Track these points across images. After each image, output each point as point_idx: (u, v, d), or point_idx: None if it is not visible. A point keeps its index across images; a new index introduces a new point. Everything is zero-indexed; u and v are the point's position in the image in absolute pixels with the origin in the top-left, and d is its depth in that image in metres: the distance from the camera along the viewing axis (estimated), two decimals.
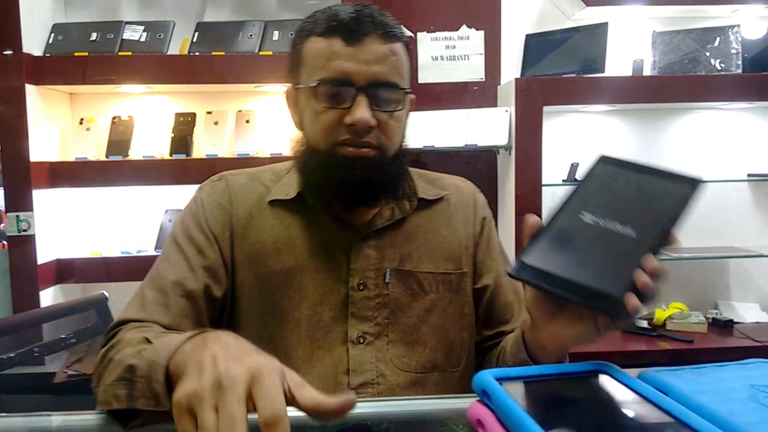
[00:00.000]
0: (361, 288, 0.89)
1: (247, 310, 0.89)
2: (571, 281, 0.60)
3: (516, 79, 2.14)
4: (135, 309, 0.82)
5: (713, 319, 2.26)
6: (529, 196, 2.11)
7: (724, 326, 2.22)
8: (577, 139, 2.40)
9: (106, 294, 1.49)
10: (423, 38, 2.36)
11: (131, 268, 2.11)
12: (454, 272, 0.94)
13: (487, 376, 0.61)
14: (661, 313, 2.24)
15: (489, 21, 2.37)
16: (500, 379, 0.60)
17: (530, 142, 2.11)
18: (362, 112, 0.81)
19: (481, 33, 2.37)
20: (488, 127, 2.21)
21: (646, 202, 0.62)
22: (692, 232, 2.44)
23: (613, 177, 0.66)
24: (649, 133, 2.44)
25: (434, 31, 2.36)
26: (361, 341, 0.87)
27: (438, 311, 0.92)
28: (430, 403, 0.70)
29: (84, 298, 1.45)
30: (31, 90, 1.95)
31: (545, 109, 2.12)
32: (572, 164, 2.29)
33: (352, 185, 0.84)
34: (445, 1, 2.36)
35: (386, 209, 0.93)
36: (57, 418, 0.65)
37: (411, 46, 2.30)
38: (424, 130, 2.22)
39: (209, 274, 0.87)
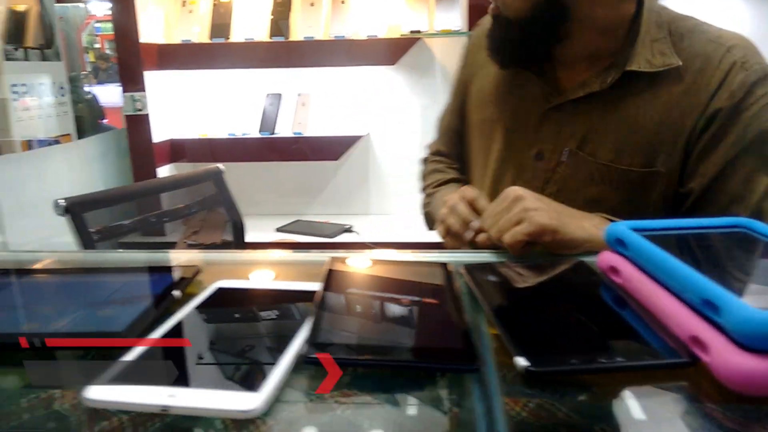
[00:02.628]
0: (539, 158, 0.84)
1: (469, 152, 0.98)
2: None
3: None
4: (435, 139, 1.08)
5: None
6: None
7: None
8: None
9: (222, 167, 1.57)
10: None
11: (237, 149, 2.21)
12: (639, 170, 0.78)
13: (621, 227, 0.61)
14: None
15: None
16: (634, 230, 0.59)
17: None
18: None
19: None
20: None
21: None
22: None
23: None
24: None
25: None
26: None
27: (605, 207, 0.78)
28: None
29: (202, 169, 1.54)
30: None
31: None
32: None
33: (489, 47, 0.84)
34: None
35: (591, 77, 0.80)
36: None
37: None
38: None
39: (458, 117, 0.99)
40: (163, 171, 2.17)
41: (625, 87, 0.78)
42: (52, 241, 1.86)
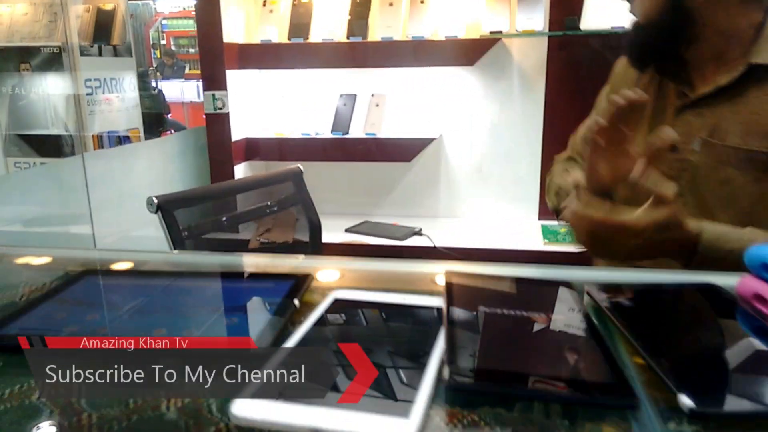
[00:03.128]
0: (673, 150, 0.91)
1: None
2: None
3: None
4: (567, 151, 1.17)
5: None
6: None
7: None
8: None
9: (301, 168, 1.58)
10: None
11: (310, 149, 2.23)
12: (765, 150, 0.85)
13: (766, 251, 0.56)
14: None
15: None
16: None
17: None
18: None
19: None
20: None
21: None
22: None
23: None
24: None
25: None
26: None
27: (734, 186, 0.88)
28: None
29: (283, 169, 1.55)
30: None
31: None
32: None
33: (627, 52, 0.97)
34: None
35: (720, 75, 0.89)
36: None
37: None
38: (612, 7, 2.02)
39: (598, 113, 1.08)
40: (239, 169, 2.20)
41: (751, 80, 0.86)
42: (136, 235, 1.92)
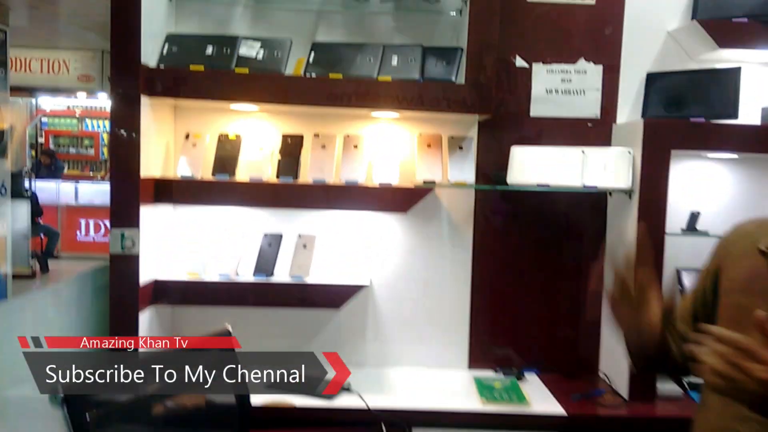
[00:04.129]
0: None
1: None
2: None
3: (646, 120, 2.02)
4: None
5: None
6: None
7: None
8: (698, 186, 2.25)
9: (230, 329, 1.39)
10: (538, 70, 2.25)
11: (228, 293, 2.02)
12: None
13: None
14: None
15: (608, 56, 2.26)
16: None
17: (656, 187, 1.98)
18: None
19: (600, 68, 2.25)
20: (605, 167, 2.09)
21: None
22: None
23: None
24: None
25: (550, 63, 2.24)
26: None
27: None
28: None
29: (210, 334, 1.35)
30: (145, 102, 1.88)
31: None
32: (692, 213, 2.16)
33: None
34: (564, 33, 2.25)
35: None
36: None
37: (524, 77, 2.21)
38: (536, 166, 2.11)
39: (697, 295, 1.22)
40: (143, 317, 1.92)
41: None
42: (13, 395, 1.58)
